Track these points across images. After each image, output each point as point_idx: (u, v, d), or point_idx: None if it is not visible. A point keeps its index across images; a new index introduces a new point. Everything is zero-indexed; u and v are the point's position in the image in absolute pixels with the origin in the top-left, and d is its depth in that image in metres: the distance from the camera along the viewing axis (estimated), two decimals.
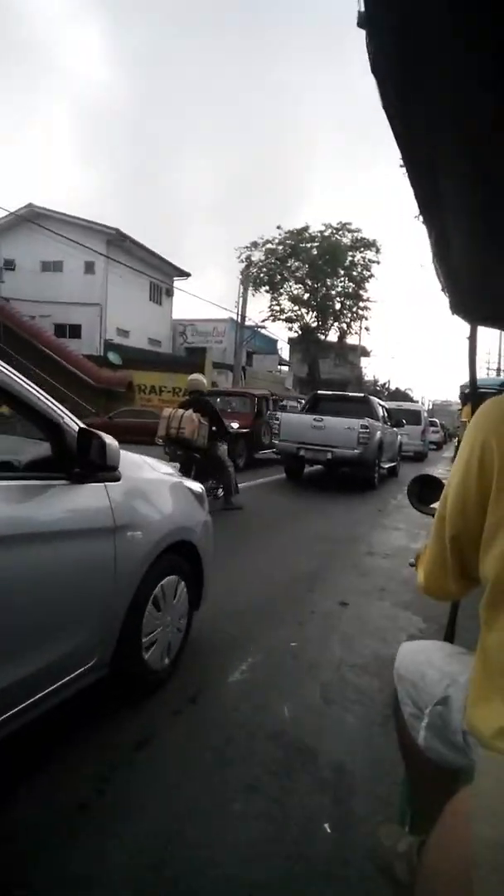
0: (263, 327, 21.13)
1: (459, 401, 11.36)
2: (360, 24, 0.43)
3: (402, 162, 0.63)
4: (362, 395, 9.10)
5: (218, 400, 8.25)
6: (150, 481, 1.81)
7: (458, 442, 5.56)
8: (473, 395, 1.43)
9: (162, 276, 22.19)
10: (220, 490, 5.27)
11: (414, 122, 0.55)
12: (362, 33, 0.44)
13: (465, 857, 0.52)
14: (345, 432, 6.94)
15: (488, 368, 22.74)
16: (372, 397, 8.76)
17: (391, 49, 0.45)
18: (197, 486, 2.20)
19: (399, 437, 9.47)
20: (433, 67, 0.47)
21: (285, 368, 28.90)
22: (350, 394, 9.70)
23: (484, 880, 0.49)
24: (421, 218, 0.79)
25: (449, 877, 0.57)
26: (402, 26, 0.43)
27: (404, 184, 0.70)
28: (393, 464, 8.87)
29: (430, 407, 30.01)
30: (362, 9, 0.41)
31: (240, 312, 17.91)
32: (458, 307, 1.25)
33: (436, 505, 1.15)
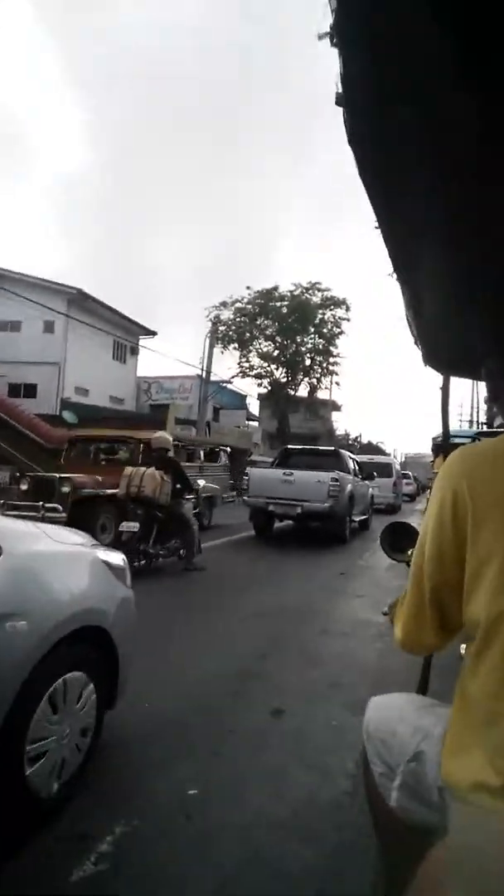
0: (229, 382, 21.64)
1: (432, 452, 11.81)
2: (338, 102, 0.47)
3: (377, 224, 0.68)
4: (332, 448, 9.28)
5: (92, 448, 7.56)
6: (44, 556, 1.57)
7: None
8: (446, 443, 1.51)
9: (127, 335, 22.98)
10: (183, 550, 5.13)
11: (390, 190, 0.60)
12: (338, 111, 0.48)
13: None
14: (315, 486, 6.95)
15: (461, 420, 23.95)
16: (342, 451, 8.90)
17: (367, 125, 0.50)
18: (116, 558, 1.91)
19: (370, 489, 9.55)
20: (409, 143, 0.52)
21: (254, 423, 29.61)
22: (320, 447, 9.90)
23: None
24: (395, 276, 0.84)
25: None
26: (377, 106, 0.48)
27: (376, 244, 0.74)
28: (364, 517, 8.83)
29: (403, 459, 31.07)
30: (340, 90, 0.46)
31: (204, 367, 18.42)
32: (431, 359, 1.32)
33: (409, 553, 1.09)
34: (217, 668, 2.68)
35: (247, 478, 7.57)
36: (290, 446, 9.43)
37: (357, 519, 8.28)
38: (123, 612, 1.78)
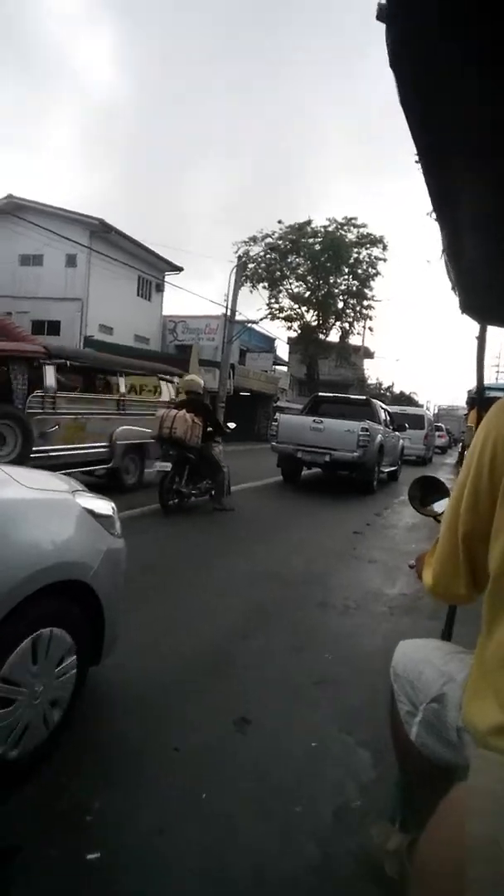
0: (255, 323, 21.11)
1: (466, 406, 11.83)
2: (380, 18, 0.45)
3: (416, 157, 0.66)
4: (363, 397, 9.45)
5: None
6: (10, 504, 1.43)
7: (463, 447, 5.56)
8: (480, 395, 1.52)
9: (152, 270, 22.55)
10: (213, 491, 5.63)
11: (431, 115, 0.57)
12: (378, 33, 0.45)
13: (459, 854, 0.55)
14: (344, 435, 7.23)
15: (498, 371, 23.45)
16: (374, 400, 9.07)
17: (410, 41, 0.47)
18: (102, 506, 1.77)
19: (401, 441, 9.82)
20: (453, 60, 0.49)
21: (283, 368, 29.33)
22: (351, 396, 10.09)
23: (478, 876, 0.53)
24: (434, 214, 0.82)
25: (442, 873, 0.60)
26: (423, 17, 0.45)
27: (416, 184, 0.71)
28: (393, 468, 9.18)
29: (437, 412, 30.62)
30: (383, 1, 0.43)
31: (229, 306, 18.00)
32: (469, 306, 1.27)
33: (436, 506, 1.23)
34: (189, 651, 2.28)
35: (276, 423, 7.91)
36: (320, 394, 9.68)
37: (386, 470, 8.63)
38: (110, 565, 1.65)
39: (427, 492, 1.30)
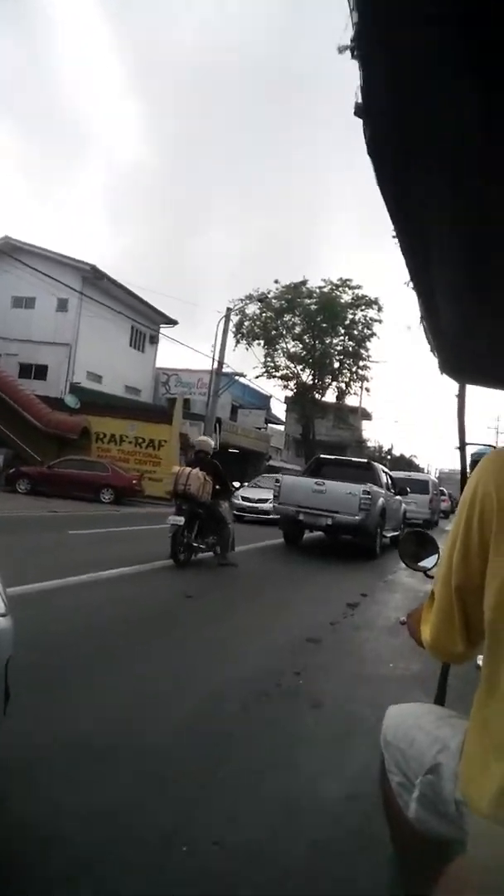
0: (242, 375, 21.50)
1: (469, 468, 12.75)
2: (357, 114, 0.55)
3: (394, 234, 0.77)
4: (365, 460, 10.31)
5: None
6: None
7: None
8: (463, 451, 1.65)
9: (147, 322, 24.06)
10: (218, 547, 6.28)
11: (406, 199, 0.70)
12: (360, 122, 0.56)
13: None
14: (346, 497, 7.83)
15: (497, 431, 25.11)
16: (375, 464, 9.88)
17: (383, 135, 0.58)
18: None
19: (403, 505, 10.53)
20: (425, 154, 0.61)
21: (278, 427, 30.55)
22: (353, 459, 10.94)
23: None
24: (410, 284, 0.96)
25: None
26: (395, 117, 0.57)
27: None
28: (396, 533, 9.70)
29: (437, 475, 32.01)
30: (360, 101, 0.54)
31: (216, 357, 18.45)
32: (446, 367, 1.45)
33: (427, 562, 1.32)
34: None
35: (278, 484, 8.59)
36: (322, 455, 10.46)
37: (389, 535, 9.19)
38: None
39: (418, 548, 1.41)
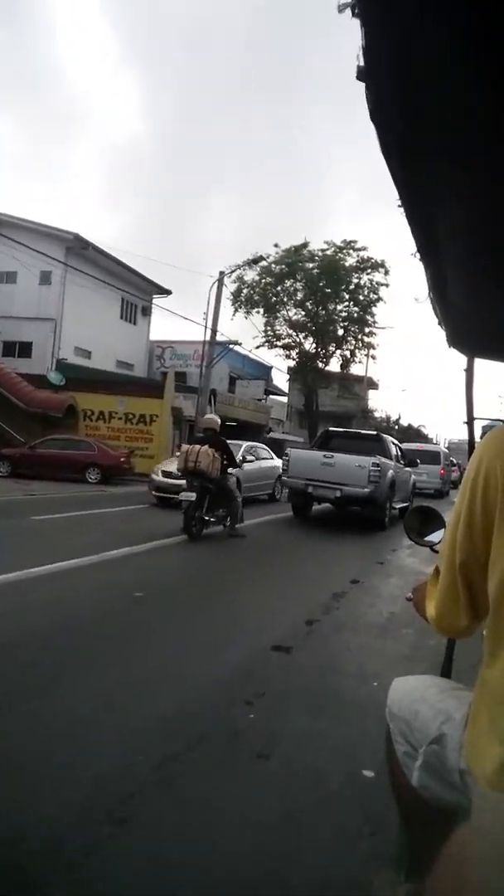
0: (237, 343, 20.90)
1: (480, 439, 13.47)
2: (359, 77, 0.56)
3: (399, 202, 0.80)
4: (374, 432, 10.53)
5: None
6: None
7: None
8: (471, 426, 1.69)
9: (138, 292, 23.77)
10: (228, 519, 6.86)
11: (410, 165, 0.71)
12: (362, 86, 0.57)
13: None
14: (355, 470, 8.12)
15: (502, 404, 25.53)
16: (384, 435, 10.15)
17: (387, 99, 0.59)
18: None
19: (412, 476, 10.84)
20: (429, 115, 0.62)
21: (280, 399, 30.70)
22: (362, 431, 11.25)
23: None
24: (418, 256, 0.97)
25: None
26: (397, 78, 0.57)
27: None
28: (405, 504, 10.01)
29: (447, 445, 32.62)
30: (361, 63, 0.54)
31: (209, 325, 17.90)
32: (455, 340, 1.48)
33: (433, 537, 1.37)
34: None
35: (287, 457, 8.90)
36: (331, 428, 10.76)
37: (398, 506, 9.53)
38: None
39: (423, 523, 1.46)
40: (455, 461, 23.34)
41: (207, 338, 18.06)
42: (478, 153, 0.67)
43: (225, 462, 6.59)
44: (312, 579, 5.25)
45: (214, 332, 18.12)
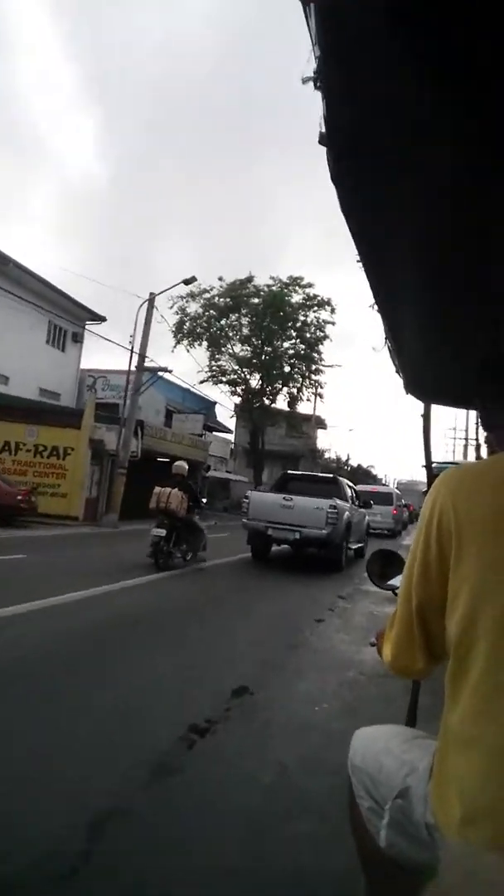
0: (167, 370, 20.37)
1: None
2: (321, 142, 0.68)
3: (358, 258, 0.94)
4: (331, 475, 12.24)
5: None
6: None
7: None
8: (429, 469, 1.94)
9: (69, 317, 24.12)
10: (189, 555, 8.65)
11: (368, 224, 0.85)
12: (323, 150, 0.69)
13: None
14: (313, 512, 9.53)
15: (453, 439, 29.12)
16: (340, 478, 11.83)
17: (348, 165, 0.71)
18: None
19: (367, 517, 12.63)
20: (390, 182, 0.75)
21: (225, 436, 32.14)
22: (318, 474, 13.00)
23: None
24: (375, 307, 1.17)
25: None
26: (355, 144, 0.69)
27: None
28: (360, 544, 11.72)
29: (397, 486, 36.05)
30: (323, 130, 0.66)
31: (135, 349, 17.82)
32: (412, 387, 1.74)
33: (395, 581, 1.56)
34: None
35: (247, 500, 10.28)
36: (290, 472, 12.59)
37: (353, 547, 11.10)
38: None
39: (385, 566, 1.63)
40: (405, 502, 26.23)
41: (135, 363, 18.15)
42: (440, 217, 0.81)
43: (191, 503, 8.56)
44: (280, 614, 6.24)
45: (143, 357, 18.18)
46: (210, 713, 3.10)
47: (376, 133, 0.71)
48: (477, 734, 0.78)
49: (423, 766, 0.97)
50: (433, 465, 2.10)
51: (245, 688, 3.54)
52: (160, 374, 19.86)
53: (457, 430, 33.18)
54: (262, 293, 25.89)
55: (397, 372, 1.71)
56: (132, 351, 17.92)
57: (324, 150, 0.73)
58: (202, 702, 3.28)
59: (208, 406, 28.89)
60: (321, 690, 3.80)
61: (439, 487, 0.92)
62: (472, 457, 22.92)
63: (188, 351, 25.92)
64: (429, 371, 1.65)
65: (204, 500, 9.34)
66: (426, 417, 1.96)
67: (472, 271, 1.01)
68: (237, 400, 27.87)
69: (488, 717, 0.78)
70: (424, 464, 2.06)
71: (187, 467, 9.32)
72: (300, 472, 12.95)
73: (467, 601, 0.83)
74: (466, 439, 28.41)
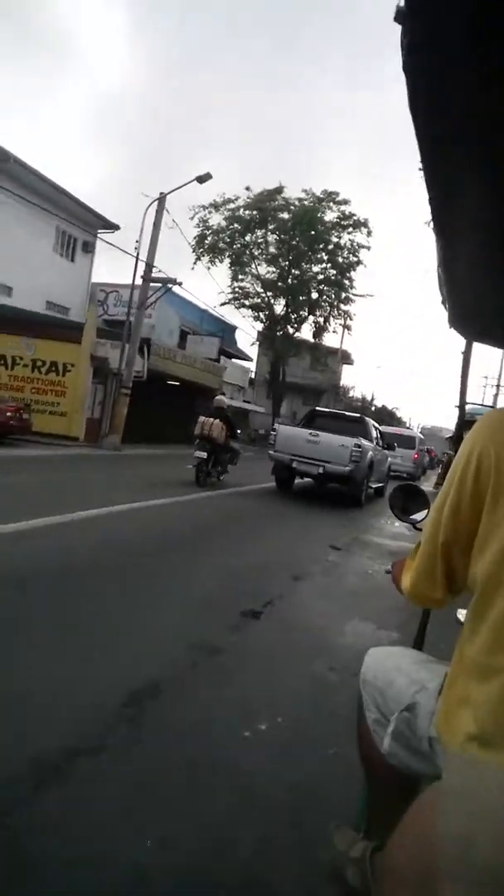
0: (175, 282, 18.92)
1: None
2: (397, 19, 0.62)
3: (420, 164, 0.91)
4: (358, 415, 13.33)
5: None
6: None
7: (443, 467, 10.36)
8: (463, 409, 2.83)
9: (80, 224, 23.06)
10: (223, 474, 11.03)
11: (440, 122, 0.80)
12: (395, 30, 0.63)
13: (429, 854, 0.77)
14: (338, 449, 10.58)
15: (485, 386, 29.87)
16: (367, 418, 12.85)
17: (426, 43, 0.65)
18: None
19: (389, 459, 13.74)
20: (466, 66, 0.68)
21: (246, 364, 32.52)
22: (346, 413, 14.16)
23: (451, 875, 0.75)
24: (431, 224, 1.16)
25: (413, 873, 0.85)
26: (438, 22, 0.62)
27: (413, 196, 1.35)
28: (381, 484, 12.84)
29: (420, 431, 37.69)
30: (402, 4, 0.60)
31: (141, 256, 16.71)
32: (457, 321, 1.80)
33: (416, 516, 1.77)
34: None
35: (274, 433, 11.35)
36: (318, 408, 13.54)
37: (374, 486, 12.21)
38: None
39: (408, 501, 1.83)
40: (427, 447, 27.53)
41: (141, 272, 16.97)
42: None
43: (229, 434, 10.74)
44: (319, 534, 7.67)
45: (150, 266, 17.20)
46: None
47: (460, 6, 0.65)
48: (496, 665, 0.91)
49: (433, 686, 1.15)
50: (466, 406, 2.19)
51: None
52: (170, 286, 18.96)
53: (489, 377, 34.03)
54: (292, 207, 25.68)
55: (443, 303, 1.76)
56: (137, 258, 16.95)
57: (396, 34, 0.68)
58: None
59: (227, 331, 29.19)
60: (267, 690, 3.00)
61: (480, 429, 1.02)
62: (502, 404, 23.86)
63: (208, 269, 26.04)
64: (477, 304, 1.70)
65: (238, 431, 11.18)
66: (466, 356, 2.19)
67: None
68: (260, 327, 28.20)
69: None
70: (458, 403, 2.32)
71: (226, 402, 11.45)
72: (328, 410, 14.02)
73: (501, 542, 0.93)
74: (498, 386, 29.23)
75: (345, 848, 1.34)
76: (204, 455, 10.40)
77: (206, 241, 25.66)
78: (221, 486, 10.87)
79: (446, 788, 0.86)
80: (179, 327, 25.74)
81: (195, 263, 25.83)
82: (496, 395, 29.18)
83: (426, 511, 1.63)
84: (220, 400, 11.54)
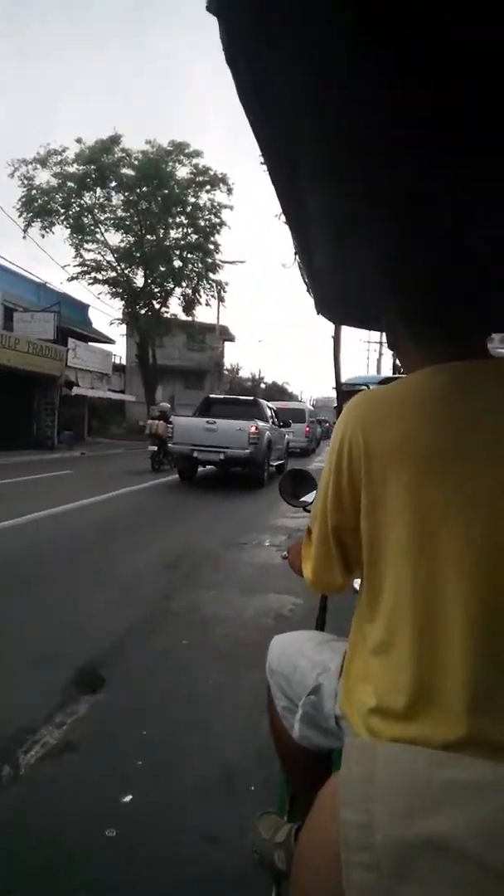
0: None
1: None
2: (209, 9, 0.67)
3: (262, 160, 1.02)
4: (252, 398, 16.64)
5: None
6: None
7: None
8: (339, 391, 2.48)
9: None
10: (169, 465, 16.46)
11: (272, 114, 0.89)
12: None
13: (335, 840, 0.94)
14: (236, 434, 13.58)
15: (368, 360, 34.77)
16: (260, 400, 16.19)
17: (244, 35, 0.72)
18: None
19: (287, 436, 17.25)
20: (290, 53, 0.75)
21: (105, 347, 32.75)
22: (240, 397, 17.61)
23: (352, 859, 0.92)
24: (283, 218, 1.34)
25: (321, 857, 1.01)
26: (255, 9, 0.69)
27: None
28: (281, 461, 16.32)
29: (313, 403, 42.49)
30: None
31: None
32: (323, 307, 2.20)
33: (306, 498, 2.18)
34: None
35: (171, 426, 14.33)
36: (212, 395, 16.95)
37: (274, 464, 15.54)
38: None
39: (296, 485, 2.27)
40: (321, 418, 31.67)
41: None
42: (341, 100, 0.87)
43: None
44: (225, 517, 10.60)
45: None
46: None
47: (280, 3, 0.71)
48: (393, 639, 1.11)
49: (334, 666, 1.44)
50: (343, 384, 2.70)
51: None
52: None
53: (370, 342, 38.91)
54: (135, 161, 27.09)
55: (308, 291, 2.10)
56: None
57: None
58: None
59: (76, 309, 28.98)
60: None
61: (348, 415, 1.21)
62: (387, 368, 28.10)
63: (43, 236, 26.58)
64: (339, 291, 2.05)
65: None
66: (336, 339, 2.54)
67: (378, 179, 1.16)
68: (121, 304, 29.33)
69: (400, 626, 1.10)
70: (335, 386, 2.67)
71: (168, 406, 17.46)
72: (222, 396, 17.47)
73: (374, 526, 1.15)
74: (381, 353, 33.65)
75: (269, 835, 1.74)
76: (155, 448, 16.55)
77: (36, 204, 26.32)
78: (172, 472, 15.83)
79: (344, 776, 1.02)
80: (2, 303, 24.95)
81: (25, 231, 26.43)
82: (379, 360, 33.88)
83: (314, 493, 1.86)
84: (163, 406, 18.85)
